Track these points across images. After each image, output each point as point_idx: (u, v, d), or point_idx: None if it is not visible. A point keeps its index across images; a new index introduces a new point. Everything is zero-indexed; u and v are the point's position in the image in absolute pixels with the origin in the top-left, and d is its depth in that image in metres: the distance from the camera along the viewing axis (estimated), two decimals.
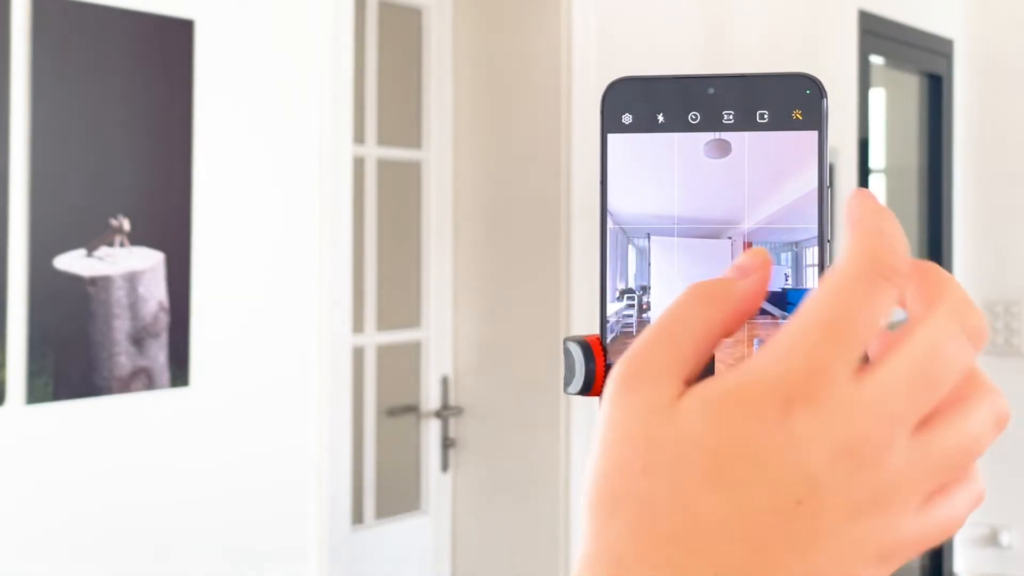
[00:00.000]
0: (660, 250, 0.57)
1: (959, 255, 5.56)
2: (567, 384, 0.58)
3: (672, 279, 0.57)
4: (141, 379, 2.63)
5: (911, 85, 5.55)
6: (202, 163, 2.74)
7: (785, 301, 0.55)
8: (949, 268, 5.51)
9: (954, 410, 0.48)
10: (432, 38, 3.64)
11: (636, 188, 0.56)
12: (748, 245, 0.56)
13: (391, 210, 3.58)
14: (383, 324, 3.55)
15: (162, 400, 2.68)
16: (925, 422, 0.48)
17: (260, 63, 2.87)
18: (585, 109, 3.53)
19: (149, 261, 2.64)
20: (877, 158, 5.33)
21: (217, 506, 2.80)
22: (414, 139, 3.65)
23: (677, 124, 0.56)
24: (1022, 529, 5.52)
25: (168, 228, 2.69)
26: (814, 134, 0.55)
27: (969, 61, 5.59)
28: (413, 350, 3.65)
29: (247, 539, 2.86)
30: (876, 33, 4.94)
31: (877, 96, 5.27)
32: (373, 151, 3.51)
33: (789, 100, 0.55)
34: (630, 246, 0.57)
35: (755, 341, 0.56)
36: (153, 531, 2.68)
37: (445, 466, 3.70)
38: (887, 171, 5.50)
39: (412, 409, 3.67)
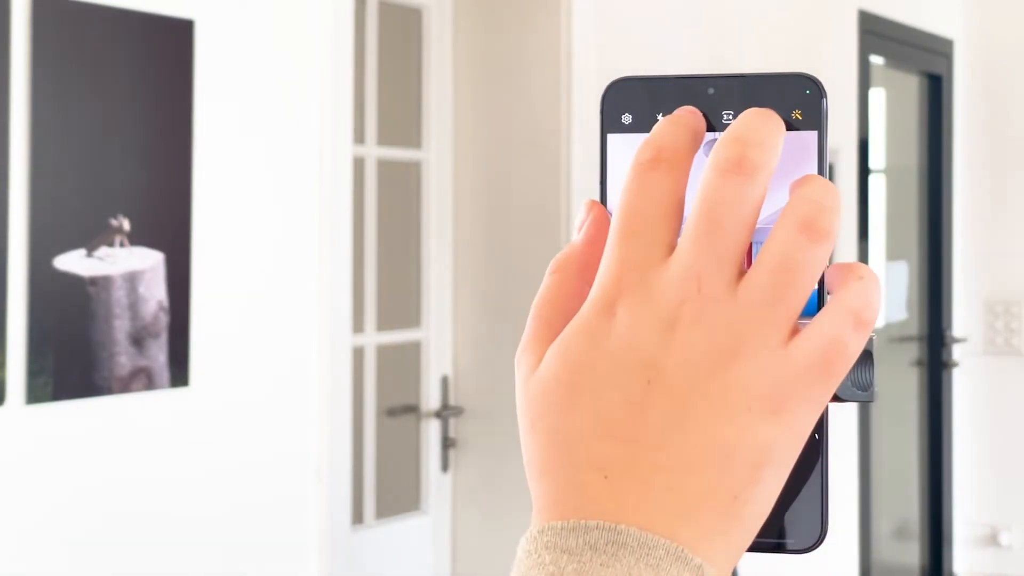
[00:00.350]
0: None
1: (959, 255, 5.56)
2: None
3: None
4: (141, 379, 2.63)
5: (911, 85, 5.55)
6: (202, 163, 2.74)
7: None
8: (949, 268, 5.51)
9: (762, 247, 0.50)
10: (432, 38, 3.64)
11: None
12: (748, 245, 0.56)
13: (391, 210, 3.58)
14: (383, 324, 3.55)
15: (162, 400, 2.68)
16: (744, 271, 0.50)
17: (260, 63, 2.87)
18: (585, 109, 3.53)
19: (149, 261, 2.64)
20: (877, 158, 5.33)
21: (217, 506, 2.80)
22: (414, 139, 3.65)
23: None
24: (1022, 529, 5.51)
25: (168, 228, 2.69)
26: (814, 134, 0.55)
27: (969, 61, 5.59)
28: (413, 350, 3.66)
29: (247, 539, 2.86)
30: (876, 33, 4.94)
31: (877, 96, 5.27)
32: (373, 151, 3.51)
33: (789, 100, 0.55)
34: None
35: None
36: (153, 530, 2.68)
37: (445, 466, 3.70)
38: (887, 171, 5.50)
39: (412, 409, 3.67)
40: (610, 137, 0.56)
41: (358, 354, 3.42)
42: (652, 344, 0.49)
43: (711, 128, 0.56)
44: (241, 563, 2.84)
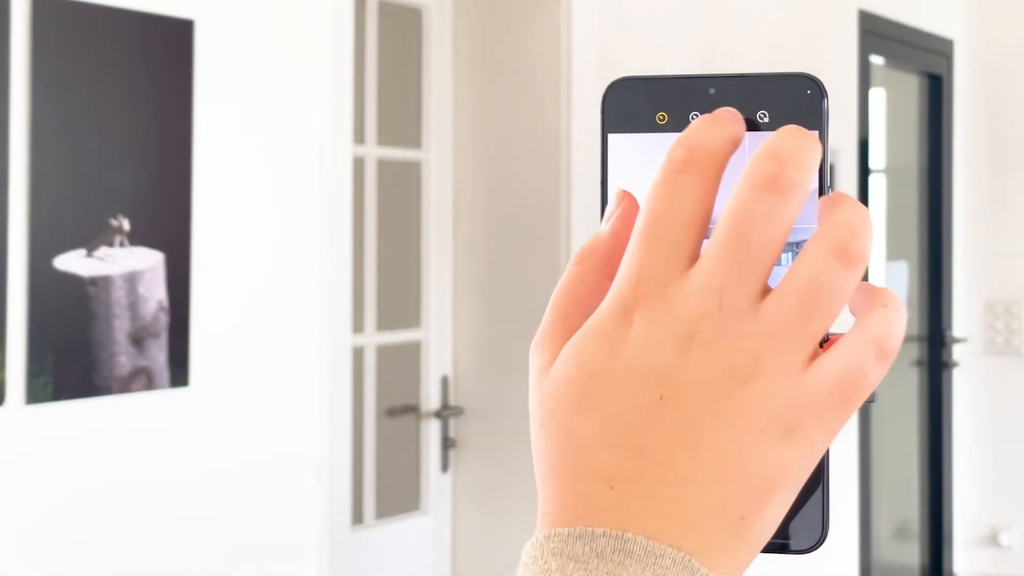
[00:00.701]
0: None
1: (959, 255, 5.56)
2: None
3: None
4: (141, 379, 2.63)
5: (911, 85, 5.55)
6: (202, 163, 2.74)
7: None
8: (949, 268, 5.51)
9: (790, 267, 0.49)
10: (432, 38, 3.64)
11: (636, 188, 0.56)
12: None
13: (391, 210, 3.58)
14: (383, 324, 3.55)
15: (162, 400, 2.68)
16: (768, 291, 0.49)
17: (260, 63, 2.87)
18: (585, 109, 3.53)
19: (149, 261, 2.64)
20: (877, 158, 5.33)
21: (217, 506, 2.80)
22: (414, 139, 3.65)
23: (677, 124, 0.56)
24: (1022, 529, 5.51)
25: (168, 228, 2.69)
26: (814, 134, 0.55)
27: (969, 61, 5.59)
28: (413, 350, 3.65)
29: (247, 539, 2.86)
30: (876, 33, 4.94)
31: (877, 96, 5.27)
32: (373, 151, 3.51)
33: (790, 100, 0.55)
34: None
35: None
36: (153, 530, 2.68)
37: (445, 466, 3.70)
38: (887, 171, 5.50)
39: (412, 409, 3.67)
40: (611, 137, 0.56)
41: (358, 354, 3.42)
42: (667, 357, 0.48)
43: None
44: (241, 563, 2.84)
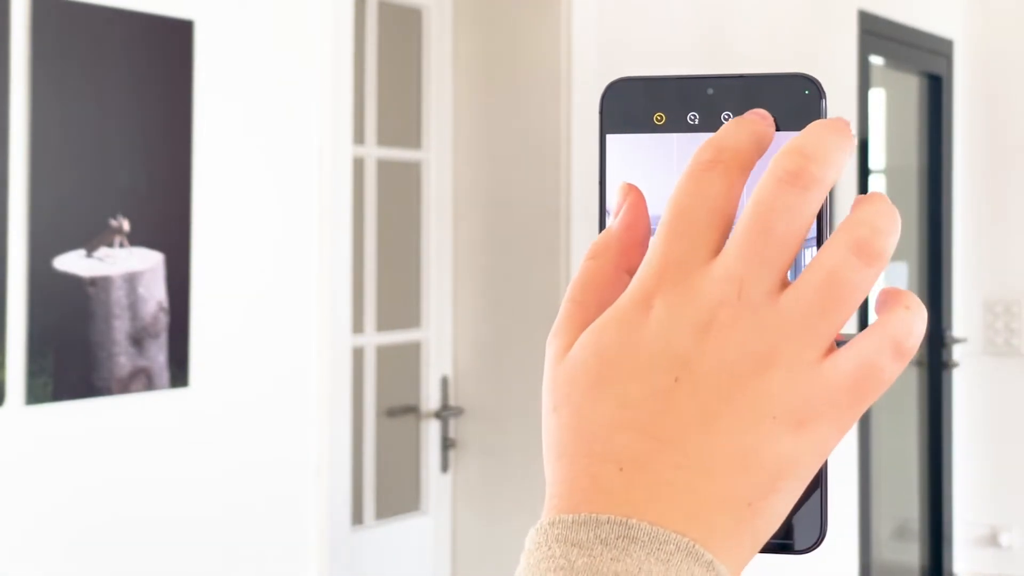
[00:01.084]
0: None
1: (959, 255, 5.56)
2: None
3: None
4: (141, 380, 2.63)
5: (911, 85, 5.55)
6: (202, 163, 2.74)
7: None
8: (949, 268, 5.51)
9: (811, 260, 0.50)
10: (432, 38, 3.64)
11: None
12: None
13: (391, 210, 3.58)
14: (383, 324, 3.55)
15: (162, 401, 2.68)
16: (787, 284, 0.49)
17: (260, 63, 2.87)
18: (585, 109, 3.53)
19: (149, 261, 2.64)
20: (877, 158, 5.33)
21: (217, 506, 2.80)
22: (414, 139, 3.65)
23: (676, 124, 0.56)
24: (1022, 529, 5.51)
25: (168, 228, 2.69)
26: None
27: (969, 61, 5.59)
28: (413, 350, 3.65)
29: (247, 539, 2.86)
30: (876, 33, 4.94)
31: (877, 96, 5.27)
32: (373, 151, 3.51)
33: (788, 100, 0.55)
34: None
35: None
36: (153, 531, 2.68)
37: (445, 466, 3.70)
38: (887, 171, 5.50)
39: (412, 409, 3.67)
40: (610, 137, 0.56)
41: (358, 354, 3.42)
42: (684, 342, 0.49)
43: (711, 128, 0.56)
44: (241, 563, 2.84)
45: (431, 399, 3.67)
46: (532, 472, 3.58)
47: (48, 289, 2.48)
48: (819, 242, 0.55)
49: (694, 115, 0.56)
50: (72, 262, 2.52)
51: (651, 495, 0.48)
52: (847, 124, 0.51)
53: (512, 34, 3.60)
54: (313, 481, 3.00)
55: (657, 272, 0.50)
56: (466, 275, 3.68)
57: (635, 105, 0.56)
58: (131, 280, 2.61)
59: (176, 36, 2.69)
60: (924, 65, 5.44)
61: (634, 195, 0.54)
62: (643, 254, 0.52)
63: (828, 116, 0.54)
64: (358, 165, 3.40)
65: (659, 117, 0.56)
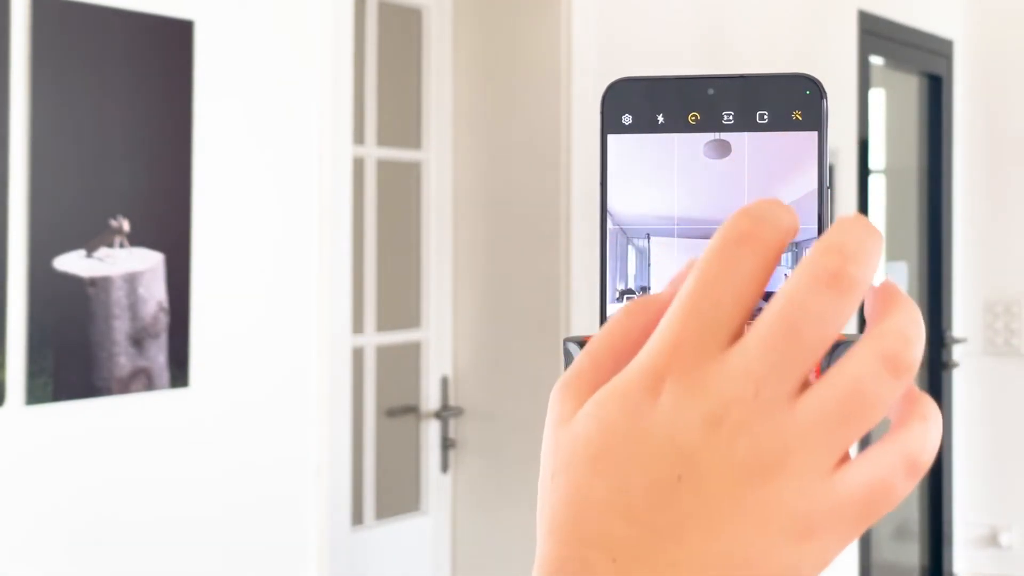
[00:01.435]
0: (660, 251, 0.57)
1: (959, 255, 5.56)
2: None
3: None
4: (141, 380, 2.63)
5: (911, 85, 5.55)
6: (202, 163, 2.74)
7: None
8: (949, 268, 5.51)
9: (834, 365, 0.47)
10: (432, 38, 3.64)
11: (636, 189, 0.56)
12: None
13: (391, 210, 3.58)
14: (383, 324, 3.55)
15: (162, 401, 2.68)
16: (806, 385, 0.47)
17: (260, 63, 2.87)
18: (585, 109, 3.53)
19: (149, 262, 2.64)
20: (877, 158, 5.33)
21: (217, 506, 2.80)
22: (414, 139, 3.65)
23: (677, 124, 0.56)
24: (1022, 529, 5.52)
25: (168, 228, 2.69)
26: (814, 135, 0.55)
27: (969, 61, 5.59)
28: (413, 350, 3.65)
29: (246, 539, 2.86)
30: (876, 33, 4.94)
31: (877, 96, 5.27)
32: (373, 151, 3.51)
33: (789, 101, 0.55)
34: (630, 247, 0.57)
35: None
36: (153, 531, 2.68)
37: (445, 466, 3.70)
38: (887, 171, 5.50)
39: (412, 409, 3.67)
40: (610, 138, 0.56)
41: (358, 354, 3.42)
42: (692, 437, 0.46)
43: (711, 128, 0.56)
44: (241, 563, 2.84)
45: (431, 399, 3.67)
46: (532, 472, 3.57)
47: (48, 289, 2.48)
48: None
49: (695, 115, 0.56)
50: (72, 262, 2.52)
51: None
52: (871, 222, 0.48)
53: (512, 34, 3.60)
54: (313, 481, 3.00)
55: (671, 349, 0.47)
56: (466, 275, 3.68)
57: (636, 105, 0.56)
58: (131, 280, 2.61)
59: (176, 36, 2.69)
60: (924, 65, 5.44)
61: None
62: None
63: (828, 116, 0.54)
64: (358, 165, 3.40)
65: (659, 117, 0.56)
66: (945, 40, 5.49)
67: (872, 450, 0.47)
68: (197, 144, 2.73)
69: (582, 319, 3.49)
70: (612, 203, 0.56)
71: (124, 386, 2.60)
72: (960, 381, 5.55)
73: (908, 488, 0.47)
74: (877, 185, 5.33)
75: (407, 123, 3.65)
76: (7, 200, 2.43)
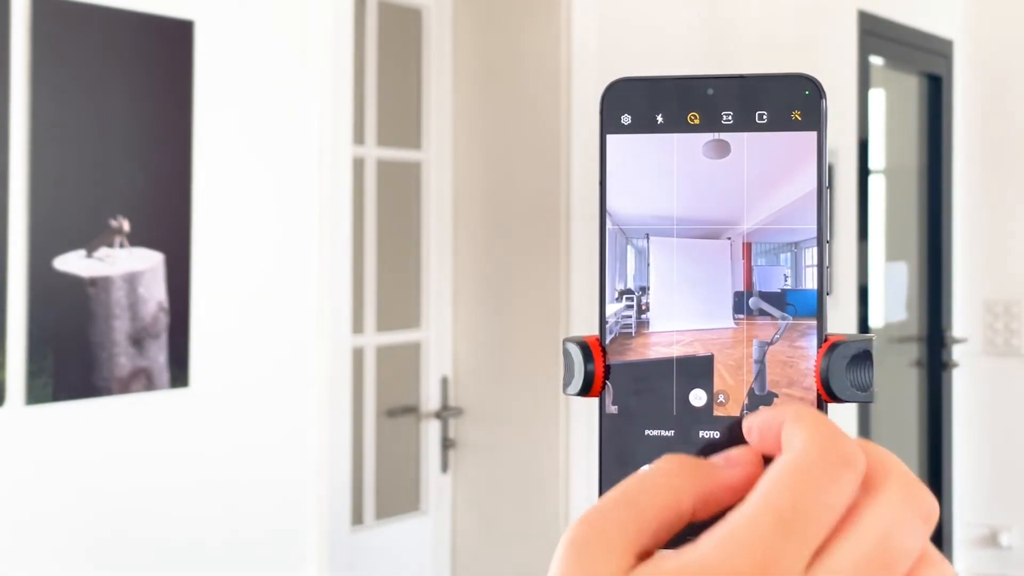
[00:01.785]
0: (659, 251, 0.57)
1: (959, 255, 5.56)
2: (566, 385, 0.58)
3: (671, 280, 0.57)
4: (141, 380, 2.63)
5: (911, 85, 5.55)
6: (202, 163, 2.74)
7: (784, 302, 0.56)
8: (949, 268, 5.51)
9: None
10: (432, 38, 3.64)
11: (635, 189, 0.56)
12: (748, 246, 0.56)
13: (391, 210, 3.58)
14: (383, 324, 3.55)
15: (162, 401, 2.68)
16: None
17: (260, 63, 2.87)
18: (585, 109, 3.53)
19: (149, 262, 2.64)
20: (877, 158, 5.33)
21: (216, 506, 2.80)
22: (414, 139, 3.65)
23: (676, 125, 0.56)
24: (1022, 529, 5.52)
25: (168, 228, 2.69)
26: (813, 135, 0.55)
27: (969, 61, 5.59)
28: (413, 350, 3.66)
29: (246, 539, 2.86)
30: (876, 33, 4.94)
31: (877, 96, 5.27)
32: (373, 152, 3.51)
33: (788, 101, 0.55)
34: (629, 247, 0.57)
35: (753, 342, 0.56)
36: (153, 531, 2.68)
37: (445, 466, 3.70)
38: (887, 171, 5.50)
39: (412, 410, 3.67)
40: (610, 138, 0.56)
41: (358, 355, 3.42)
42: None
43: (711, 128, 0.56)
44: (241, 563, 2.84)
45: (431, 399, 3.67)
46: (532, 472, 3.58)
47: (48, 289, 2.48)
48: (819, 241, 0.55)
49: (694, 115, 0.56)
50: (72, 262, 2.52)
51: None
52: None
53: (512, 34, 3.60)
54: (313, 481, 3.00)
55: (754, 569, 0.43)
56: (466, 275, 3.68)
57: (635, 105, 0.56)
58: (131, 280, 2.61)
59: (176, 36, 2.69)
60: (924, 65, 5.44)
61: (754, 467, 0.49)
62: (717, 512, 0.47)
63: (828, 116, 0.54)
64: (358, 165, 3.40)
65: (659, 117, 0.56)
66: (945, 40, 5.49)
67: None
68: (197, 144, 2.73)
69: (581, 319, 3.49)
70: (612, 203, 0.57)
71: (124, 386, 2.60)
72: (960, 381, 5.55)
73: None
74: (877, 185, 5.33)
75: (407, 123, 3.65)
76: (7, 200, 2.43)
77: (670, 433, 0.56)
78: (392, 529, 3.56)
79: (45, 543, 2.51)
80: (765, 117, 0.55)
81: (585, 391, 0.57)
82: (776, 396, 0.55)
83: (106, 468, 2.60)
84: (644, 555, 0.46)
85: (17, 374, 2.45)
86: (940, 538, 5.47)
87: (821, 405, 0.55)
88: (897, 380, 5.41)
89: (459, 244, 3.68)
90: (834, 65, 4.67)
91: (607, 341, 0.57)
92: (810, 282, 0.55)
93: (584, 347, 0.57)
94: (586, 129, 3.54)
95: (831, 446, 0.45)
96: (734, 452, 0.49)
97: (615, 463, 0.56)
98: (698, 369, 0.56)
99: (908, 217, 5.51)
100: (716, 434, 0.55)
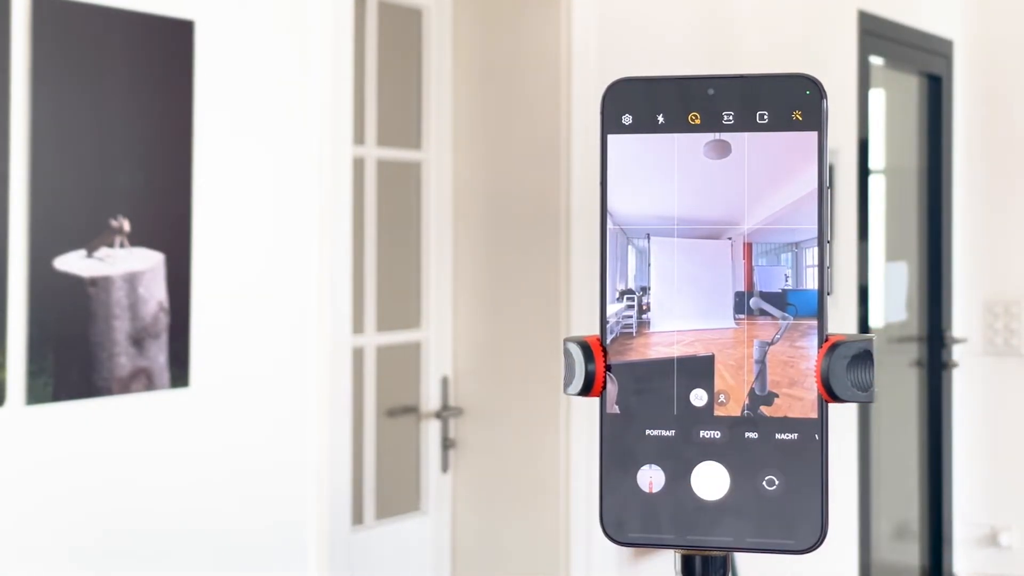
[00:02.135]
0: (660, 250, 0.57)
1: (959, 255, 5.56)
2: (567, 384, 0.58)
3: (672, 280, 0.57)
4: (141, 380, 2.63)
5: (911, 85, 5.55)
6: (202, 163, 2.74)
7: (785, 302, 0.55)
8: (949, 268, 5.51)
9: None
10: (432, 38, 3.64)
11: (636, 189, 0.56)
12: (748, 246, 0.56)
13: (391, 210, 3.58)
14: (383, 324, 3.55)
15: (162, 401, 2.68)
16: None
17: (260, 63, 2.87)
18: (585, 109, 3.53)
19: (149, 262, 2.64)
20: (877, 158, 5.33)
21: (216, 507, 2.80)
22: (414, 139, 3.65)
23: (677, 125, 0.56)
24: (1022, 529, 5.51)
25: (168, 228, 2.69)
26: (814, 135, 0.55)
27: (969, 61, 5.59)
28: (413, 350, 3.65)
29: (246, 539, 2.86)
30: (876, 34, 4.94)
31: (877, 96, 5.27)
32: (373, 152, 3.51)
33: (789, 101, 0.55)
34: (630, 247, 0.57)
35: (754, 342, 0.56)
36: (152, 532, 2.68)
37: (445, 466, 3.70)
38: (887, 171, 5.50)
39: (412, 410, 3.67)
40: (610, 138, 0.56)
41: (358, 355, 3.42)
42: None
43: (711, 128, 0.56)
44: (241, 563, 2.84)
45: (431, 399, 3.67)
46: (532, 472, 3.58)
47: (48, 289, 2.48)
48: (819, 241, 0.55)
49: (695, 115, 0.56)
50: (72, 262, 2.52)
51: None
52: None
53: (512, 34, 3.60)
54: (313, 481, 3.00)
55: None
56: (466, 275, 3.68)
57: (636, 105, 0.56)
58: (131, 280, 2.61)
59: (176, 36, 2.69)
60: (924, 65, 5.44)
61: None
62: None
63: (828, 116, 0.54)
64: (358, 165, 3.40)
65: (660, 117, 0.56)
66: (945, 40, 5.49)
67: None
68: (197, 144, 2.73)
69: (582, 319, 3.49)
70: (612, 203, 0.57)
71: (124, 386, 2.60)
72: (960, 381, 5.54)
73: None
74: (877, 185, 5.33)
75: (407, 123, 3.65)
76: (7, 200, 2.43)
77: (671, 433, 0.56)
78: (392, 529, 3.56)
79: (45, 543, 2.51)
80: (766, 117, 0.55)
81: (586, 391, 0.57)
82: (777, 396, 0.55)
83: (106, 468, 2.60)
84: None
85: (17, 374, 2.45)
86: (940, 538, 5.47)
87: (822, 405, 0.55)
88: (897, 380, 5.41)
89: (459, 244, 3.68)
90: (834, 65, 4.66)
91: (608, 341, 0.57)
92: (811, 282, 0.55)
93: (585, 347, 0.57)
94: (586, 129, 3.54)
95: None
96: None
97: (616, 463, 0.56)
98: (699, 369, 0.56)
99: (908, 217, 5.51)
100: (717, 434, 0.55)
